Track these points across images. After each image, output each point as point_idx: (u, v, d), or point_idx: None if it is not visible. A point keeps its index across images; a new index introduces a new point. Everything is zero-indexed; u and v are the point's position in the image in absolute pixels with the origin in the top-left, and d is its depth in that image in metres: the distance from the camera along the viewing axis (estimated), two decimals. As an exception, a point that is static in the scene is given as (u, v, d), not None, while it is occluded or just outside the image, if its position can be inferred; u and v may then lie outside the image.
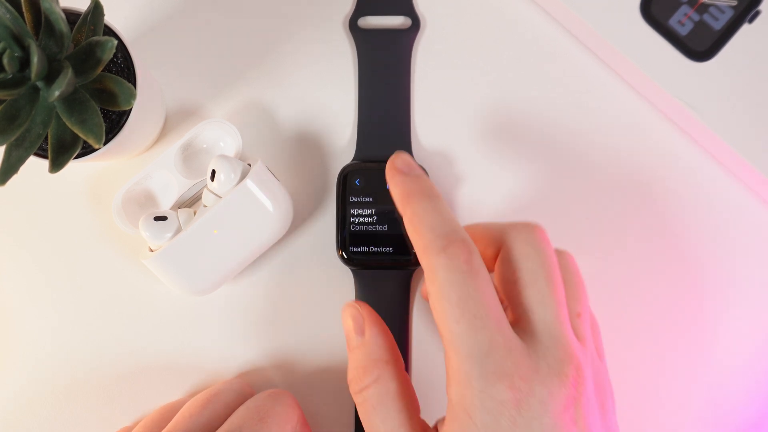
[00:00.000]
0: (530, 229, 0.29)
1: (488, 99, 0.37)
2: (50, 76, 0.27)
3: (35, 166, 0.31)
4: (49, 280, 0.37)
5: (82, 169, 0.37)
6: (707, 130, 0.35)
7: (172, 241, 0.33)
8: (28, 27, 0.27)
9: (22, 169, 0.28)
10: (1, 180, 0.27)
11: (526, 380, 0.25)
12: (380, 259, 0.35)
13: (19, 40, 0.26)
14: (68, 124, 0.28)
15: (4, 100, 0.27)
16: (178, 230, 0.33)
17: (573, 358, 0.26)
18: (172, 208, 0.35)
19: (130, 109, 0.31)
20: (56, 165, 0.28)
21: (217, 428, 0.30)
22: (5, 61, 0.26)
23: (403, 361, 0.29)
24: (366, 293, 0.36)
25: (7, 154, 0.27)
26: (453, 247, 0.26)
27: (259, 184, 0.33)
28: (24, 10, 0.27)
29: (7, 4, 0.26)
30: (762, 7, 0.35)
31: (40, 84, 0.27)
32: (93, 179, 0.37)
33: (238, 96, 0.37)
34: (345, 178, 0.36)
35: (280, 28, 0.38)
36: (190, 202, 0.36)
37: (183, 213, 0.34)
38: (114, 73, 0.31)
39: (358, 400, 0.28)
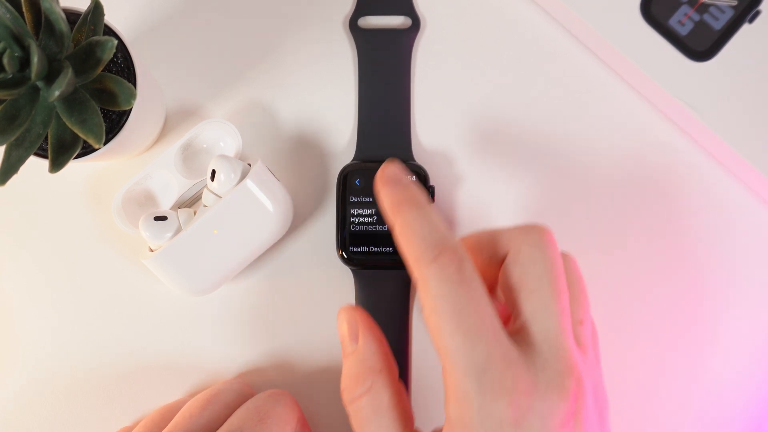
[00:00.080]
0: (538, 231, 0.28)
1: (488, 99, 0.37)
2: (50, 76, 0.27)
3: (35, 166, 0.31)
4: (49, 280, 0.37)
5: (82, 169, 0.37)
6: (707, 130, 0.35)
7: (172, 241, 0.33)
8: (28, 27, 0.27)
9: (22, 169, 0.28)
10: (1, 180, 0.27)
11: (526, 395, 0.24)
12: (380, 259, 0.35)
13: (19, 40, 0.26)
14: (68, 124, 0.28)
15: (4, 100, 0.27)
16: (178, 230, 0.33)
17: (574, 371, 0.25)
18: (172, 208, 0.35)
19: (130, 109, 0.31)
20: (56, 165, 0.28)
21: (217, 428, 0.30)
22: (5, 61, 0.26)
23: (397, 369, 0.28)
24: (366, 293, 0.36)
25: (7, 154, 0.27)
26: (444, 257, 0.25)
27: (259, 184, 0.33)
28: (24, 9, 0.27)
29: (7, 4, 0.26)
30: (762, 7, 0.35)
31: (40, 84, 0.27)
32: (93, 179, 0.37)
33: (238, 96, 0.37)
34: (345, 178, 0.36)
35: (280, 28, 0.38)
36: (190, 202, 0.36)
37: (183, 213, 0.34)
38: (114, 73, 0.31)
39: (350, 410, 0.27)
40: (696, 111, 0.35)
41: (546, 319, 0.26)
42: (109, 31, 0.31)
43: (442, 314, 0.25)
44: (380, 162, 0.36)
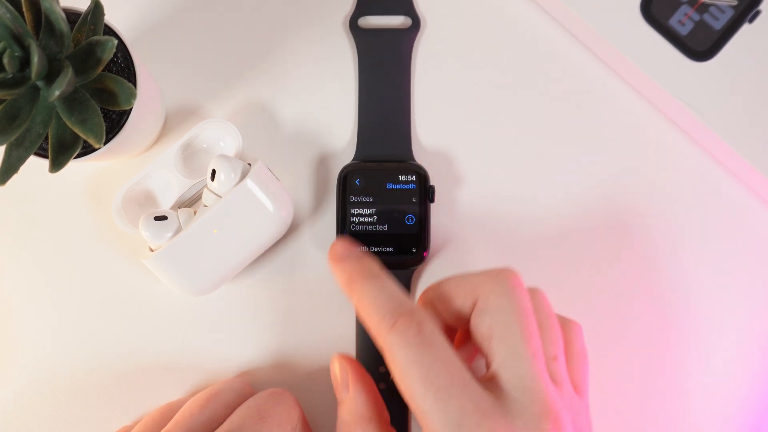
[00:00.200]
0: (502, 278, 0.28)
1: (488, 99, 0.37)
2: (50, 75, 0.27)
3: (35, 166, 0.31)
4: (49, 280, 0.37)
5: (82, 169, 0.37)
6: (707, 130, 0.35)
7: (172, 240, 0.33)
8: (29, 27, 0.27)
9: (22, 168, 0.28)
10: (1, 180, 0.27)
11: None
12: (380, 259, 0.35)
13: (19, 40, 0.26)
14: (68, 123, 0.28)
15: (5, 100, 0.27)
16: (178, 230, 0.33)
17: (551, 412, 0.25)
18: (172, 208, 0.35)
19: (130, 109, 0.31)
20: (56, 165, 0.28)
21: (217, 427, 0.30)
22: (5, 60, 0.26)
23: (387, 415, 0.30)
24: (366, 293, 0.36)
25: (7, 153, 0.27)
26: (401, 323, 0.26)
27: (259, 184, 0.33)
28: (24, 9, 0.27)
29: (7, 4, 0.26)
30: (762, 7, 0.35)
31: (40, 84, 0.27)
32: (93, 179, 0.37)
33: (238, 96, 0.38)
34: (345, 178, 0.36)
35: (280, 28, 0.38)
36: (190, 202, 0.36)
37: (183, 213, 0.34)
38: (114, 73, 0.31)
39: None
40: (696, 111, 0.35)
41: (518, 365, 0.26)
42: (109, 31, 0.31)
43: (410, 377, 0.25)
44: (380, 162, 0.36)
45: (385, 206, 0.35)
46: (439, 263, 0.37)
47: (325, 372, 0.36)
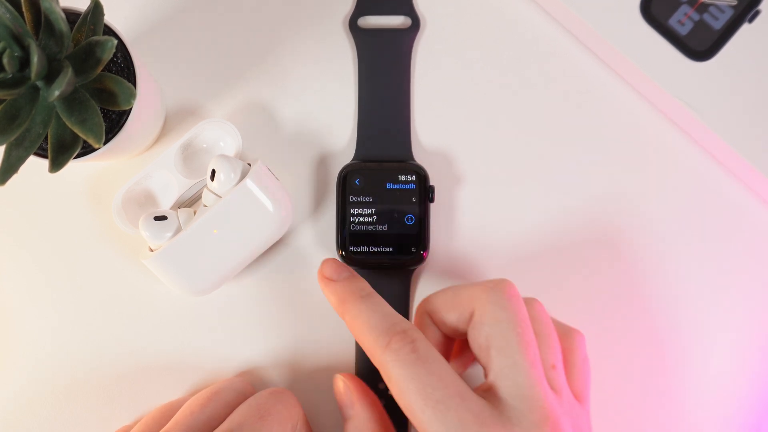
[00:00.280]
0: (498, 289, 0.29)
1: (488, 99, 0.37)
2: (50, 75, 0.27)
3: (35, 166, 0.31)
4: (49, 280, 0.37)
5: (82, 169, 0.37)
6: (707, 130, 0.35)
7: (172, 240, 0.33)
8: (28, 27, 0.27)
9: (22, 168, 0.28)
10: (1, 180, 0.27)
11: None
12: (380, 259, 0.35)
13: (19, 40, 0.26)
14: (68, 123, 0.28)
15: (4, 100, 0.27)
16: (178, 230, 0.33)
17: (549, 419, 0.26)
18: (172, 208, 0.35)
19: (130, 109, 0.31)
20: (56, 165, 0.28)
21: (217, 426, 0.30)
22: (5, 60, 0.26)
23: (393, 430, 0.30)
24: (366, 293, 0.36)
25: (7, 153, 0.27)
26: (395, 342, 0.27)
27: (259, 184, 0.33)
28: (24, 9, 0.27)
29: (7, 4, 0.26)
30: (762, 6, 0.35)
31: (40, 84, 0.27)
32: (93, 179, 0.37)
33: (238, 96, 0.38)
34: (345, 177, 0.36)
35: (280, 28, 0.38)
36: (190, 202, 0.36)
37: (183, 213, 0.34)
38: (114, 73, 0.31)
39: None
40: (696, 111, 0.35)
41: (516, 374, 0.27)
42: (109, 31, 0.31)
43: (408, 393, 0.26)
44: (380, 162, 0.36)
45: (384, 206, 0.35)
46: (439, 263, 0.37)
47: (326, 371, 0.36)
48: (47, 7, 0.26)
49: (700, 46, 0.35)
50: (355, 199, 0.35)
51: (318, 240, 0.37)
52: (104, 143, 0.30)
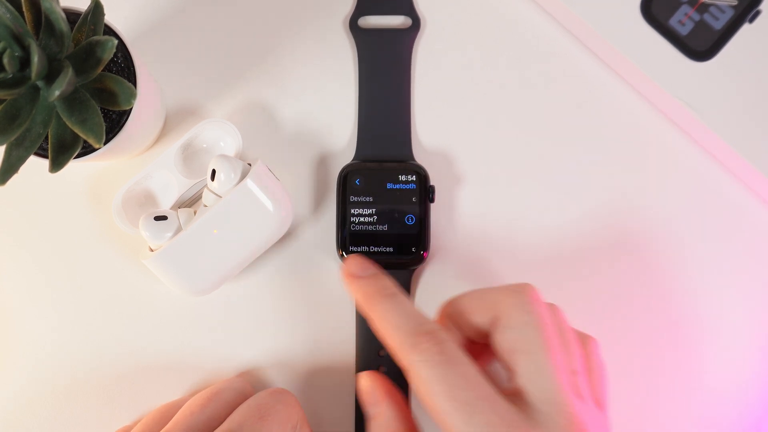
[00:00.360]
0: (524, 293, 0.29)
1: (488, 99, 0.37)
2: (50, 75, 0.27)
3: (35, 166, 0.31)
4: (49, 280, 0.37)
5: (82, 169, 0.37)
6: (707, 130, 0.35)
7: (172, 240, 0.33)
8: (29, 27, 0.27)
9: (22, 168, 0.28)
10: (1, 180, 0.27)
11: None
12: (380, 259, 0.35)
13: (19, 40, 0.26)
14: (68, 123, 0.28)
15: (5, 100, 0.27)
16: (178, 230, 0.33)
17: (575, 424, 0.26)
18: (172, 208, 0.35)
19: (130, 109, 0.31)
20: (56, 165, 0.28)
21: (217, 426, 0.30)
22: (5, 60, 0.26)
23: (418, 430, 0.30)
24: (366, 293, 0.36)
25: (7, 153, 0.27)
26: (423, 342, 0.27)
27: (259, 184, 0.33)
28: (24, 9, 0.27)
29: (8, 4, 0.26)
30: (762, 6, 0.35)
31: (40, 83, 0.27)
32: (93, 179, 0.37)
33: (238, 96, 0.38)
34: (345, 177, 0.36)
35: (280, 28, 0.38)
36: (190, 202, 0.36)
37: (183, 213, 0.34)
38: (114, 73, 0.31)
39: None
40: (696, 111, 0.35)
41: (542, 379, 0.27)
42: (109, 31, 0.31)
43: (436, 395, 0.26)
44: (380, 162, 0.36)
45: (385, 206, 0.35)
46: (439, 263, 0.37)
47: (325, 371, 0.36)
48: (47, 7, 0.26)
49: (701, 46, 0.35)
50: (355, 199, 0.35)
51: (318, 240, 0.37)
52: (104, 143, 0.30)
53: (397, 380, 0.36)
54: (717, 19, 0.35)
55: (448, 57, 0.38)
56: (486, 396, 0.26)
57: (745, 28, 0.35)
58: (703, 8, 0.35)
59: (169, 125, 0.37)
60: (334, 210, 0.37)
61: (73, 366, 0.36)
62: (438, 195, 0.37)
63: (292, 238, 0.37)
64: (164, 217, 0.33)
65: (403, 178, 0.35)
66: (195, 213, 0.34)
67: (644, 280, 0.37)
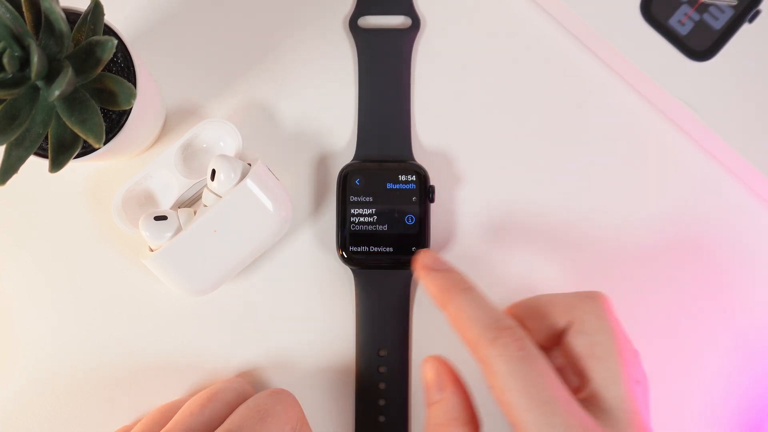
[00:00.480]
0: (598, 301, 0.29)
1: (488, 99, 0.37)
2: (50, 75, 0.27)
3: (35, 165, 0.31)
4: (49, 280, 0.37)
5: (82, 169, 0.37)
6: (707, 130, 0.35)
7: (172, 240, 0.33)
8: (28, 27, 0.27)
9: (22, 168, 0.28)
10: (1, 180, 0.27)
11: None
12: (380, 259, 0.35)
13: (19, 40, 0.26)
14: (68, 123, 0.28)
15: (4, 100, 0.27)
16: (178, 230, 0.33)
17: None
18: (172, 208, 0.35)
19: (130, 109, 0.31)
20: (56, 165, 0.28)
21: (217, 427, 0.30)
22: (5, 60, 0.26)
23: (479, 422, 0.29)
24: (366, 293, 0.36)
25: (7, 153, 0.27)
26: (504, 337, 0.27)
27: (259, 184, 0.33)
28: (24, 9, 0.27)
29: (7, 4, 0.26)
30: (762, 6, 0.35)
31: (40, 83, 0.27)
32: (93, 179, 0.37)
33: (238, 96, 0.38)
34: (345, 177, 0.36)
35: (280, 28, 0.38)
36: (190, 202, 0.36)
37: (183, 213, 0.34)
38: (114, 73, 0.31)
39: None
40: (696, 111, 0.35)
41: (616, 386, 0.27)
42: (109, 31, 0.31)
43: (514, 391, 0.26)
44: (380, 162, 0.36)
45: (385, 206, 0.35)
46: (439, 263, 0.37)
47: (325, 372, 0.36)
48: (47, 7, 0.26)
49: (700, 46, 0.35)
50: (355, 199, 0.35)
51: (318, 240, 0.37)
52: (104, 143, 0.30)
53: (397, 380, 0.36)
54: (717, 19, 0.35)
55: (448, 57, 0.38)
56: (564, 397, 0.26)
57: (745, 28, 0.35)
58: (703, 8, 0.35)
59: (169, 125, 0.37)
60: (334, 210, 0.37)
61: (73, 366, 0.36)
62: (438, 195, 0.37)
63: (292, 238, 0.37)
64: (164, 217, 0.33)
65: (403, 178, 0.35)
66: (195, 213, 0.34)
67: (643, 280, 0.37)
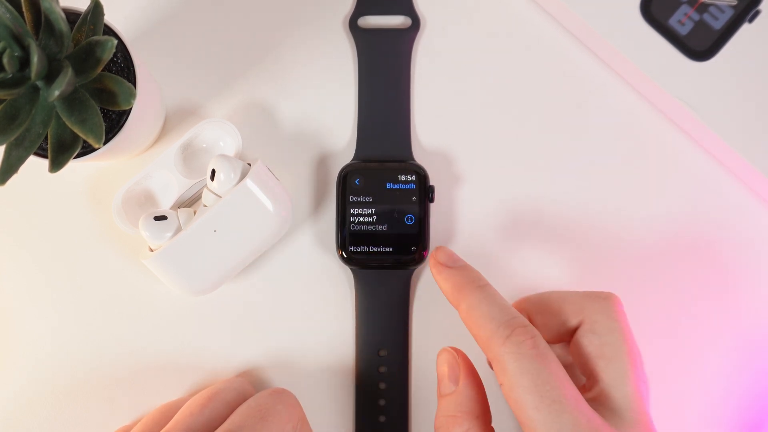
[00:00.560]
0: (609, 302, 0.29)
1: (488, 99, 0.37)
2: (50, 75, 0.27)
3: (35, 165, 0.31)
4: (49, 280, 0.37)
5: (82, 169, 0.37)
6: (707, 130, 0.35)
7: (172, 240, 0.33)
8: (28, 26, 0.27)
9: (22, 168, 0.28)
10: (1, 180, 0.27)
11: None
12: (380, 259, 0.35)
13: (19, 40, 0.26)
14: (68, 123, 0.28)
15: (4, 100, 0.27)
16: (178, 230, 0.33)
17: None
18: (172, 208, 0.35)
19: (130, 109, 0.31)
20: (56, 165, 0.28)
21: (217, 427, 0.30)
22: (5, 60, 0.26)
23: (491, 416, 0.29)
24: (366, 293, 0.36)
25: (7, 153, 0.27)
26: (517, 334, 0.27)
27: (259, 184, 0.33)
28: (24, 9, 0.27)
29: (7, 4, 0.26)
30: (762, 6, 0.35)
31: (40, 83, 0.27)
32: (93, 179, 0.37)
33: (238, 96, 0.38)
34: (345, 177, 0.36)
35: (280, 28, 0.38)
36: (190, 202, 0.36)
37: (183, 213, 0.34)
38: (114, 73, 0.31)
39: None
40: (696, 111, 0.35)
41: (625, 386, 0.27)
42: (109, 31, 0.31)
43: (524, 389, 0.26)
44: (380, 162, 0.36)
45: (384, 206, 0.35)
46: (439, 263, 0.37)
47: (325, 371, 0.36)
48: (47, 7, 0.26)
49: (700, 46, 0.35)
50: (355, 199, 0.35)
51: (318, 240, 0.37)
52: (104, 143, 0.30)
53: (398, 380, 0.36)
54: (716, 19, 0.35)
55: (448, 57, 0.38)
56: (573, 396, 0.26)
57: (745, 28, 0.35)
58: (703, 8, 0.35)
59: (168, 125, 0.37)
60: (334, 210, 0.37)
61: (73, 366, 0.36)
62: (438, 195, 0.37)
63: (292, 238, 0.37)
64: (164, 217, 0.33)
65: (402, 177, 0.35)
66: (195, 213, 0.34)
67: (643, 280, 0.37)
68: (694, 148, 0.37)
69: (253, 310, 0.37)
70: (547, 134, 0.37)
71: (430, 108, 0.37)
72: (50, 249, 0.37)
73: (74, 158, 0.30)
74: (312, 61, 0.38)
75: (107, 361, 0.36)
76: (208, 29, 0.38)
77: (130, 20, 0.38)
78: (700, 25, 0.35)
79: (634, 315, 0.36)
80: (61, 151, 0.28)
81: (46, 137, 0.29)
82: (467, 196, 0.37)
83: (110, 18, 0.30)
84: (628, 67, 0.36)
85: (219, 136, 0.36)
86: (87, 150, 0.31)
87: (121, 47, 0.31)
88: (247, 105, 0.37)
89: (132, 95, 0.28)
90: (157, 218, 0.33)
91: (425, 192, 0.35)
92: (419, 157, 0.37)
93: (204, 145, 0.36)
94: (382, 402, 0.36)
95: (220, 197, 0.33)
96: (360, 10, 0.38)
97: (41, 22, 0.27)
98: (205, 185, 0.34)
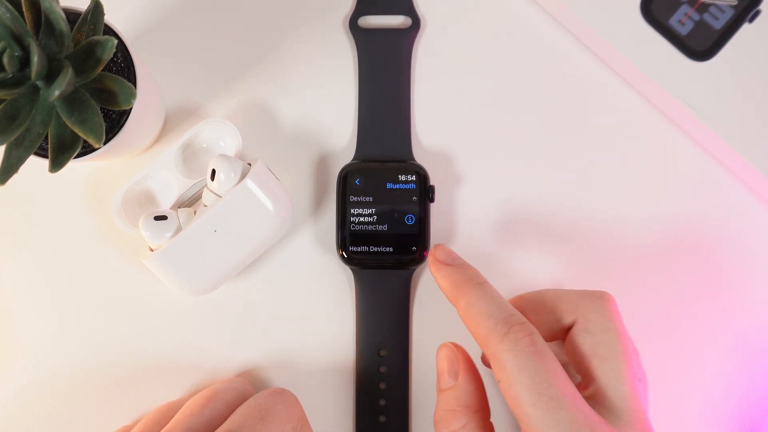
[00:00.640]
0: (604, 301, 0.30)
1: (488, 99, 0.37)
2: (50, 75, 0.27)
3: (35, 165, 0.31)
4: (49, 280, 0.37)
5: (82, 169, 0.37)
6: (707, 130, 0.35)
7: (172, 240, 0.33)
8: (28, 26, 0.27)
9: (22, 168, 0.28)
10: (1, 180, 0.27)
11: None
12: (380, 259, 0.35)
13: (19, 40, 0.26)
14: (68, 123, 0.28)
15: (4, 100, 0.27)
16: (178, 230, 0.33)
17: (647, 430, 0.27)
18: (172, 208, 0.35)
19: (130, 109, 0.31)
20: (56, 165, 0.28)
21: (217, 427, 0.30)
22: (5, 60, 0.26)
23: (489, 411, 0.30)
24: (366, 293, 0.36)
25: (7, 153, 0.27)
26: (515, 332, 0.27)
27: (259, 184, 0.33)
28: (24, 9, 0.27)
29: (7, 4, 0.26)
30: (762, 6, 0.35)
31: (40, 83, 0.27)
32: (93, 179, 0.37)
33: (238, 96, 0.38)
34: (345, 177, 0.36)
35: (280, 28, 0.38)
36: (190, 202, 0.36)
37: (183, 212, 0.34)
38: (114, 73, 0.31)
39: None
40: (696, 111, 0.35)
41: (620, 385, 0.27)
42: (109, 31, 0.31)
43: (521, 386, 0.26)
44: (380, 162, 0.36)
45: (385, 206, 0.35)
46: (439, 263, 0.37)
47: (325, 371, 0.36)
48: (47, 7, 0.26)
49: (700, 46, 0.35)
50: (355, 199, 0.35)
51: (318, 240, 0.37)
52: (104, 143, 0.30)
53: (398, 380, 0.36)
54: (717, 18, 0.35)
55: (448, 57, 0.38)
56: (571, 394, 0.26)
57: (745, 28, 0.35)
58: (703, 8, 0.35)
59: (169, 125, 0.37)
60: (334, 210, 0.37)
61: (73, 366, 0.36)
62: (438, 195, 0.37)
63: (292, 238, 0.37)
64: (164, 217, 0.33)
65: (403, 177, 0.35)
66: (195, 213, 0.34)
67: (643, 280, 0.37)
68: (694, 148, 0.37)
69: (253, 310, 0.37)
70: (547, 134, 0.37)
71: (430, 108, 0.37)
72: (50, 249, 0.37)
73: (74, 158, 0.30)
74: (312, 61, 0.38)
75: (107, 361, 0.36)
76: (208, 29, 0.38)
77: (130, 20, 0.38)
78: (700, 25, 0.35)
79: (634, 315, 0.36)
80: (61, 151, 0.28)
81: (46, 137, 0.29)
82: (467, 196, 0.37)
83: (110, 18, 0.30)
84: (628, 67, 0.36)
85: (219, 136, 0.36)
86: (87, 150, 0.31)
87: (121, 47, 0.31)
88: (247, 105, 0.37)
89: (132, 95, 0.28)
90: (157, 218, 0.33)
91: (425, 192, 0.35)
92: (419, 157, 0.37)
93: (204, 145, 0.36)
94: (382, 402, 0.36)
95: (220, 197, 0.33)
96: (360, 10, 0.38)
97: (41, 21, 0.27)
98: (205, 185, 0.34)
